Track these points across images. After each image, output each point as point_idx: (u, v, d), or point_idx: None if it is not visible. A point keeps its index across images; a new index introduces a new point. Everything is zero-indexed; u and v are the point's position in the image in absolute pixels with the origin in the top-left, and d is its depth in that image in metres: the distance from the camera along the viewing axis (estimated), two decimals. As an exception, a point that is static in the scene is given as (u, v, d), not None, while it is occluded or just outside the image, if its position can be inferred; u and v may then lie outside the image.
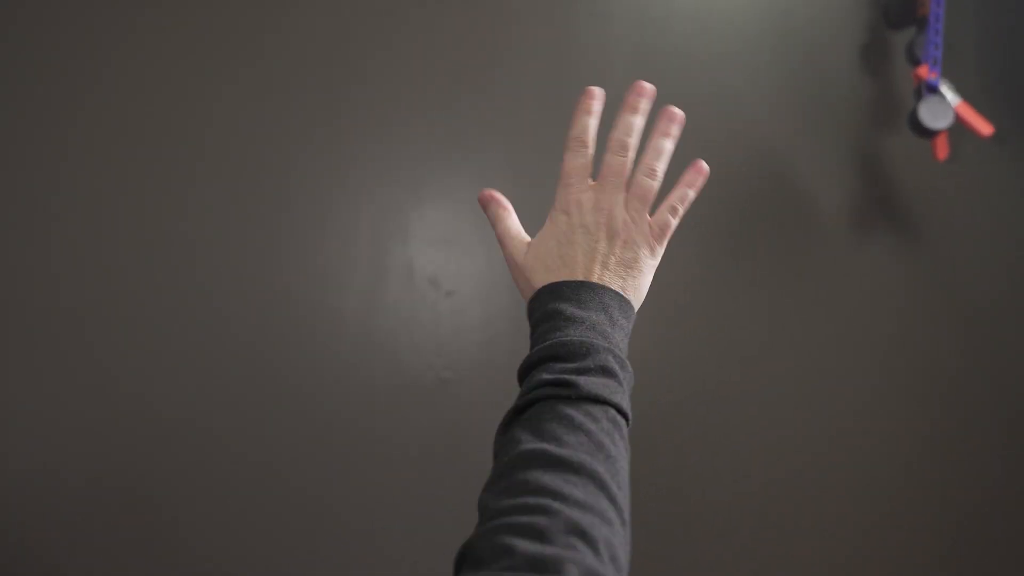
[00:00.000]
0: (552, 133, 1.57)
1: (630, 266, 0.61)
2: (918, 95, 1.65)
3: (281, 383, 1.45)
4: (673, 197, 0.65)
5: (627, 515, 0.50)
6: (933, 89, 1.62)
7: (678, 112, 0.64)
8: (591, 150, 0.63)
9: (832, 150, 1.80)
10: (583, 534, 0.44)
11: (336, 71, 1.50)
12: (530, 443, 0.50)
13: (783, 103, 1.77)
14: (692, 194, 0.65)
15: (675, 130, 0.64)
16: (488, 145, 1.55)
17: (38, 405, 1.33)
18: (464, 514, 1.49)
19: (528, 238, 0.65)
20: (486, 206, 0.68)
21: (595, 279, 0.59)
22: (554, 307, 0.58)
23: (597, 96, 0.63)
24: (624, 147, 0.62)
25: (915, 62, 1.69)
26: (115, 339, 1.37)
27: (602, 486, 0.48)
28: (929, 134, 1.62)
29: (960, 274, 1.87)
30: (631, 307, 0.61)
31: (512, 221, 0.66)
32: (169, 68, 1.44)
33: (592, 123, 0.63)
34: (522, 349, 1.50)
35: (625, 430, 0.55)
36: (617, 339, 0.58)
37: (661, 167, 0.63)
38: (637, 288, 0.62)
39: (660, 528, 1.57)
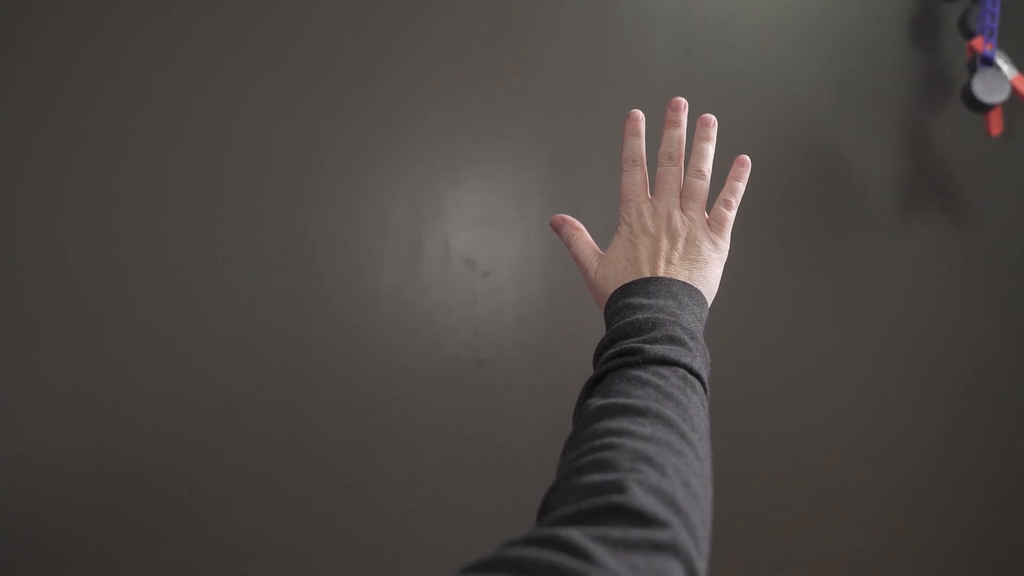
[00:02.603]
0: (590, 114, 1.55)
1: (695, 260, 0.64)
2: (972, 68, 1.59)
3: (318, 364, 1.45)
4: (725, 192, 0.70)
5: (703, 452, 0.49)
6: (988, 61, 1.56)
7: (711, 117, 0.69)
8: (643, 166, 0.68)
9: (880, 127, 1.75)
10: (649, 460, 0.44)
11: (374, 52, 1.49)
12: (600, 401, 0.52)
13: (830, 79, 1.72)
14: (741, 186, 0.70)
15: (712, 133, 0.69)
16: (526, 126, 1.53)
17: (84, 390, 1.34)
18: (500, 494, 1.49)
19: (601, 254, 0.69)
20: (559, 229, 0.72)
21: (661, 274, 0.63)
22: (624, 302, 0.61)
23: (639, 119, 0.69)
24: (672, 158, 0.67)
25: (969, 34, 1.63)
26: (154, 324, 1.38)
27: (671, 424, 0.49)
28: (983, 108, 1.56)
29: (1013, 257, 1.81)
30: (701, 295, 0.63)
31: (585, 240, 0.70)
32: (205, 49, 1.44)
33: (639, 143, 0.68)
34: (558, 330, 1.49)
35: (700, 388, 0.55)
36: (687, 319, 0.59)
37: (707, 167, 0.68)
38: (706, 279, 0.65)
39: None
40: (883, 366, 1.69)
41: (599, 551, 0.36)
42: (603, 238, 0.72)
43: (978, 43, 1.58)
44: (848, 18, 1.75)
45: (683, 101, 0.69)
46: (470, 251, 1.49)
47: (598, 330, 1.48)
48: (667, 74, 1.60)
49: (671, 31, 1.61)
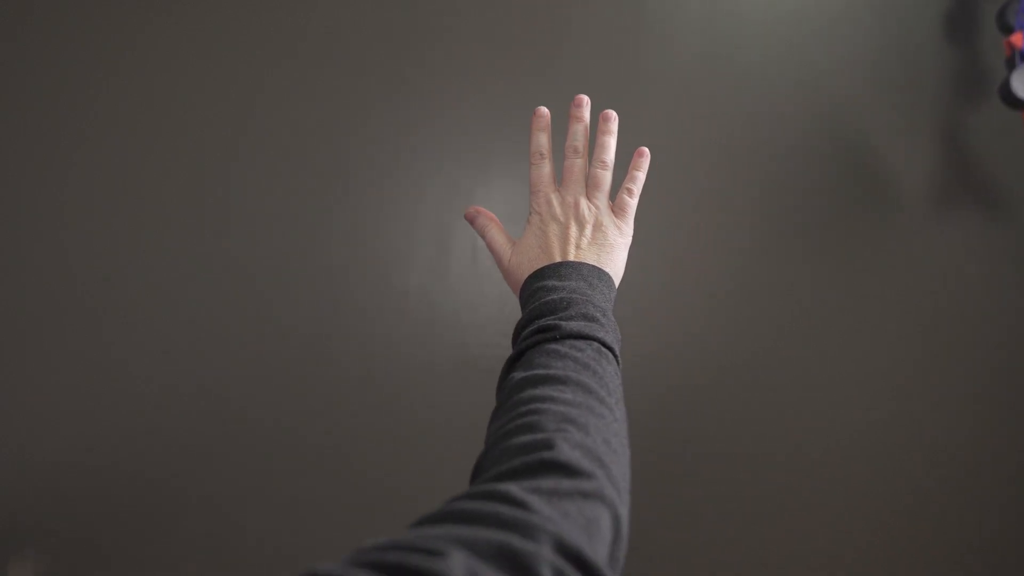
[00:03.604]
0: (622, 111, 1.54)
1: (602, 244, 0.68)
2: (1011, 64, 1.56)
3: (345, 363, 1.45)
4: (627, 181, 0.74)
5: (620, 415, 0.54)
6: (1027, 58, 1.53)
7: (612, 112, 0.72)
8: (551, 159, 0.72)
9: (913, 122, 1.72)
10: (572, 421, 0.49)
11: (402, 48, 1.48)
12: (522, 374, 0.55)
13: (862, 73, 1.69)
14: (641, 175, 0.74)
15: (613, 127, 0.72)
16: (553, 120, 1.52)
17: (119, 383, 1.35)
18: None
19: (513, 242, 0.73)
20: (473, 220, 0.75)
21: (571, 258, 0.67)
22: (539, 284, 0.65)
23: (545, 115, 0.72)
24: (577, 151, 0.72)
25: (1007, 29, 1.59)
26: (180, 325, 1.39)
27: (590, 390, 0.53)
28: (1021, 105, 1.53)
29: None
30: (609, 277, 0.67)
31: (498, 230, 0.74)
32: (228, 43, 1.44)
33: (546, 138, 0.72)
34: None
35: (613, 360, 0.59)
36: (598, 299, 0.63)
37: (610, 159, 0.72)
38: (613, 262, 0.69)
39: (717, 495, 1.54)
40: (911, 365, 1.67)
41: (535, 501, 0.40)
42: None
43: (1017, 39, 1.54)
44: (881, 11, 1.72)
45: (585, 99, 0.72)
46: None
47: (629, 334, 1.47)
48: (695, 68, 1.58)
49: (698, 23, 1.59)
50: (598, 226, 0.69)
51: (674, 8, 1.59)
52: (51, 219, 1.39)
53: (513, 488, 0.41)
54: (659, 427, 1.51)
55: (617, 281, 0.69)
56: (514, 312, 1.49)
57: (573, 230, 0.68)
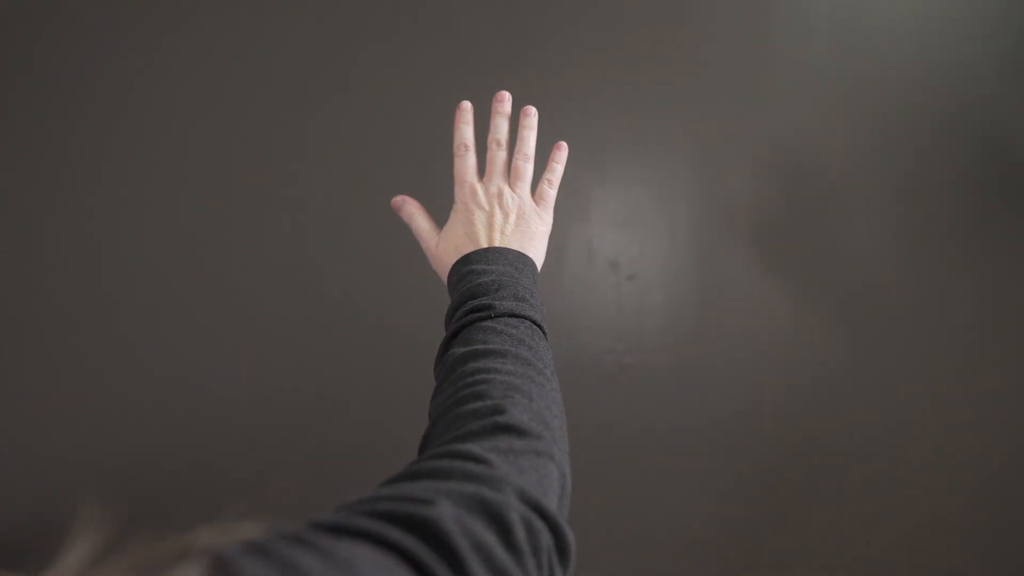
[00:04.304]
0: (741, 110, 1.46)
1: (525, 231, 0.72)
2: None
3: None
4: (547, 173, 0.77)
5: (555, 385, 0.58)
6: None
7: (531, 108, 0.76)
8: (474, 151, 0.75)
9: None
10: (517, 389, 0.52)
11: (516, 44, 1.47)
12: (461, 349, 0.59)
13: (992, 58, 1.54)
14: (560, 167, 0.77)
15: (533, 122, 0.76)
16: (674, 122, 1.46)
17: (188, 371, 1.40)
18: (644, 504, 1.44)
19: (439, 230, 0.76)
20: (400, 209, 0.78)
21: (497, 244, 0.70)
22: (468, 268, 0.68)
23: (469, 109, 0.76)
24: (500, 144, 0.75)
25: None
26: (289, 322, 1.42)
27: (528, 363, 0.57)
28: None
29: None
30: (533, 263, 0.71)
31: (425, 218, 0.77)
32: (333, 30, 1.46)
33: (469, 131, 0.75)
34: (707, 337, 1.42)
35: (543, 336, 0.63)
36: (525, 282, 0.67)
37: (530, 151, 0.75)
38: (535, 248, 0.72)
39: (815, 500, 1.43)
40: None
41: (494, 458, 0.44)
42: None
43: None
44: (1015, 2, 1.56)
45: (507, 95, 0.76)
46: (614, 253, 1.45)
47: (751, 338, 1.40)
48: (823, 66, 1.48)
49: (832, 38, 1.50)
50: (521, 214, 0.72)
51: (801, 8, 1.50)
52: (79, 215, 1.46)
53: (474, 447, 0.44)
54: (781, 430, 1.43)
55: (539, 266, 0.72)
56: (631, 318, 1.44)
57: (498, 218, 0.71)
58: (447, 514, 0.36)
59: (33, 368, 1.56)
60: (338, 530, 0.34)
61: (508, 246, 0.70)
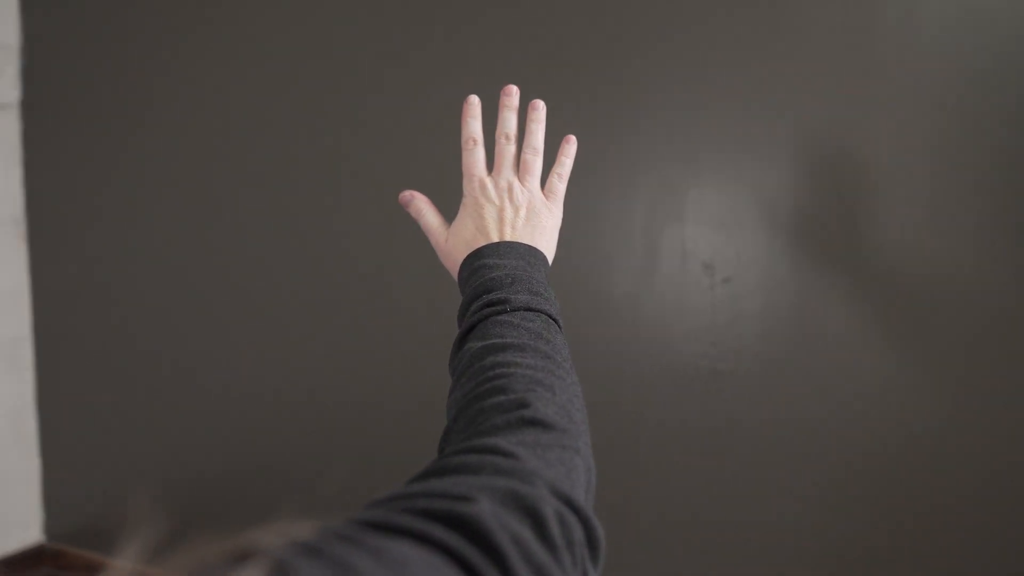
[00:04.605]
0: (845, 108, 1.37)
1: (536, 226, 0.71)
2: None
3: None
4: (556, 167, 0.76)
5: (574, 380, 0.57)
6: None
7: (539, 102, 0.75)
8: (482, 145, 0.73)
9: None
10: (539, 383, 0.52)
11: (613, 39, 1.44)
12: (479, 344, 0.58)
13: None
14: (569, 161, 0.77)
15: (541, 116, 0.75)
16: (774, 120, 1.39)
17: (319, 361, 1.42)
18: (731, 511, 1.39)
19: (448, 225, 0.75)
20: (408, 205, 0.77)
21: (508, 238, 0.69)
22: (478, 264, 0.67)
23: (477, 104, 0.75)
24: (508, 137, 0.74)
25: None
26: (410, 322, 1.44)
27: (547, 356, 0.56)
28: None
29: None
30: (544, 257, 0.70)
31: (434, 213, 0.76)
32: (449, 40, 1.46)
33: (477, 125, 0.74)
34: (806, 343, 1.35)
35: (559, 330, 0.62)
36: (537, 276, 0.66)
37: (539, 144, 0.74)
38: (546, 242, 0.72)
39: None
40: None
41: (522, 452, 0.43)
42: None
43: None
44: None
45: (515, 88, 0.75)
46: (709, 255, 1.40)
47: (852, 348, 1.32)
48: (935, 61, 1.37)
49: (937, 20, 1.37)
50: (531, 208, 0.72)
51: (913, 6, 1.41)
52: (198, 222, 1.50)
53: (500, 441, 0.44)
54: (878, 444, 1.34)
55: (550, 260, 0.72)
56: (726, 322, 1.39)
57: (508, 212, 0.71)
58: (487, 511, 0.36)
59: (107, 373, 1.67)
60: (383, 528, 0.34)
61: (519, 240, 0.70)
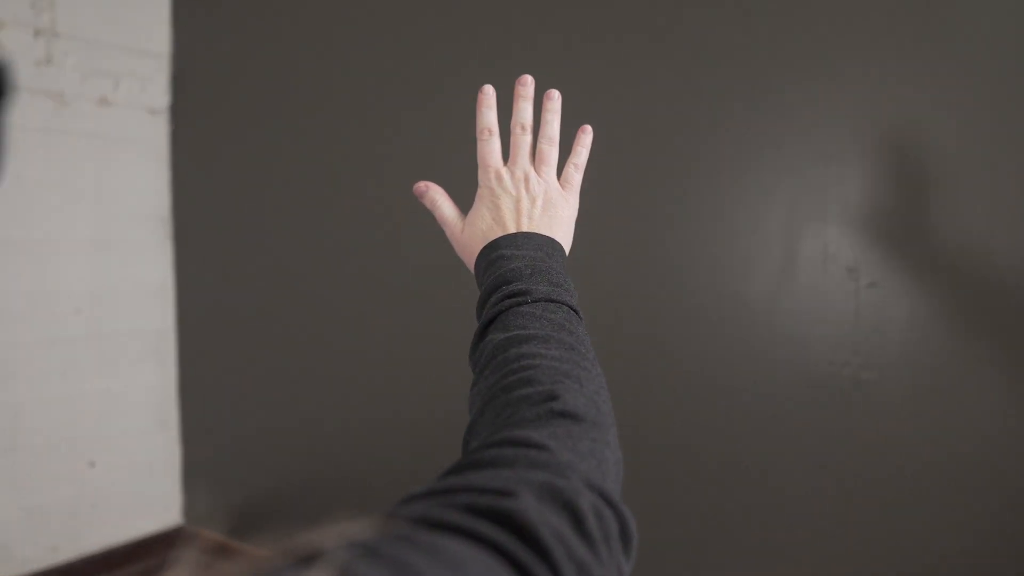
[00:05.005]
0: (1009, 102, 1.28)
1: (553, 216, 0.71)
2: None
3: (675, 367, 1.41)
4: (572, 157, 0.75)
5: (598, 371, 0.56)
6: None
7: (554, 91, 0.74)
8: (498, 136, 0.73)
9: None
10: (566, 374, 0.52)
11: (742, 46, 1.39)
12: (502, 335, 0.58)
13: None
14: (585, 151, 0.76)
15: (556, 106, 0.74)
16: (929, 113, 1.31)
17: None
18: (870, 529, 1.32)
19: (463, 216, 0.74)
20: (423, 196, 0.77)
21: (525, 229, 0.69)
22: (496, 255, 0.67)
23: (491, 94, 0.74)
24: (524, 128, 0.73)
25: None
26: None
27: (571, 347, 0.56)
28: None
29: None
30: (561, 247, 0.70)
31: (449, 205, 0.75)
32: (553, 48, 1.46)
33: (492, 115, 0.73)
34: (958, 353, 1.27)
35: (580, 321, 0.62)
36: (556, 267, 0.66)
37: (555, 135, 0.73)
38: (564, 233, 0.72)
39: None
40: None
41: (554, 444, 0.43)
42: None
43: None
44: None
45: (530, 78, 0.74)
46: (853, 258, 1.33)
47: (1010, 359, 1.23)
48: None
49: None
50: (548, 199, 0.71)
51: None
52: (329, 222, 1.53)
53: (532, 434, 0.44)
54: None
55: (567, 251, 0.71)
56: (870, 329, 1.32)
57: (525, 202, 0.70)
58: (531, 506, 0.36)
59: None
60: (434, 525, 0.34)
61: (536, 231, 0.69)
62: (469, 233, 0.72)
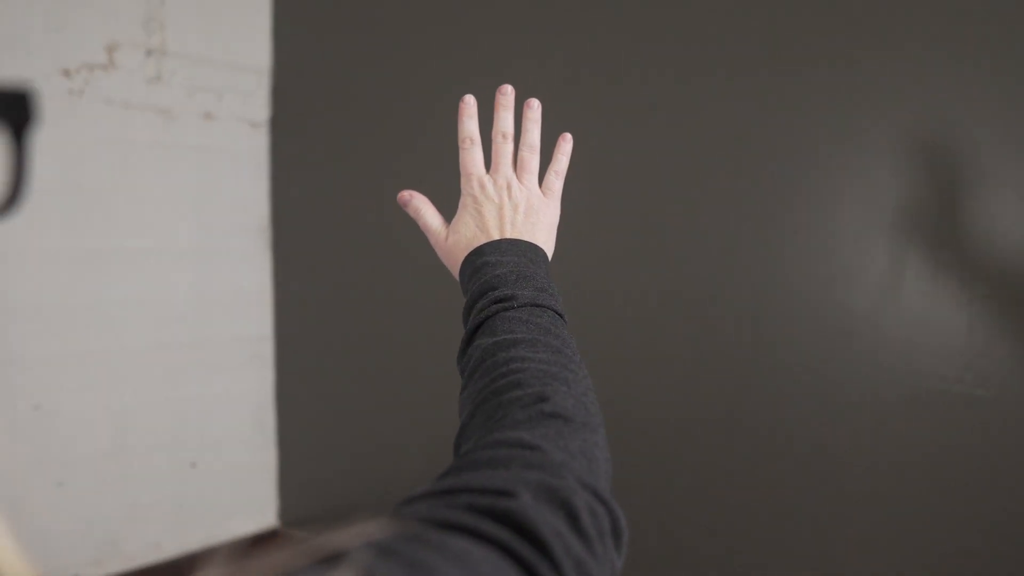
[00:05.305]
0: None
1: (535, 223, 0.72)
2: None
3: (777, 380, 1.36)
4: (553, 164, 0.76)
5: (585, 373, 0.57)
6: None
7: (535, 101, 0.76)
8: (479, 144, 0.74)
9: None
10: (554, 377, 0.53)
11: (846, 49, 1.34)
12: (489, 340, 0.59)
13: None
14: (565, 159, 0.77)
15: (536, 114, 0.75)
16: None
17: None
18: (985, 555, 1.24)
19: (447, 224, 0.75)
20: (407, 204, 0.78)
21: (508, 235, 0.70)
22: (481, 261, 0.68)
23: (472, 103, 0.75)
24: (505, 136, 0.75)
25: None
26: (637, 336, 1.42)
27: (558, 351, 0.57)
28: None
29: None
30: (544, 254, 0.71)
31: (433, 213, 0.76)
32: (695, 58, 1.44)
33: (474, 124, 0.74)
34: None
35: (565, 325, 0.63)
36: (540, 272, 0.67)
37: (536, 143, 0.75)
38: (546, 239, 0.73)
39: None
40: None
41: (545, 445, 0.45)
42: None
43: None
44: None
45: (510, 88, 0.76)
46: (965, 268, 1.26)
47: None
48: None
49: None
50: (530, 206, 0.73)
51: None
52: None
53: (524, 435, 0.45)
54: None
55: (549, 257, 0.73)
56: (984, 344, 1.25)
57: (507, 210, 0.72)
58: (529, 505, 0.37)
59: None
60: (441, 525, 0.35)
61: (519, 237, 0.71)
62: (453, 241, 0.74)
